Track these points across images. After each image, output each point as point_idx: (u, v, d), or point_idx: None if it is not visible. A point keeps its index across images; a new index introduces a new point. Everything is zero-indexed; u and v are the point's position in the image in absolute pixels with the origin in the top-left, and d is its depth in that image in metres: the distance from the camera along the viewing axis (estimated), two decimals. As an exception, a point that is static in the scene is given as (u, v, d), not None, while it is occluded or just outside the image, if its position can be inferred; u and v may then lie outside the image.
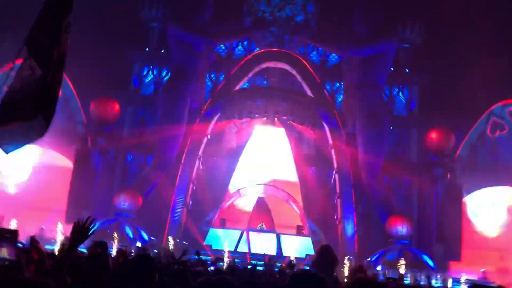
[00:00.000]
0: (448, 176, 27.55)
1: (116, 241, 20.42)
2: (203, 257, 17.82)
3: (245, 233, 25.57)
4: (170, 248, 21.47)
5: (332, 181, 28.10)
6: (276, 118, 29.10)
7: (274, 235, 25.79)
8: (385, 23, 29.57)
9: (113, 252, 16.71)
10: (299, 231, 26.36)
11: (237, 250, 23.85)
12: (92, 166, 27.99)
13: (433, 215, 27.28)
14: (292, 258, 20.74)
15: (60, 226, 21.03)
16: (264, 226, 26.87)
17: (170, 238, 23.23)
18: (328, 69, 32.16)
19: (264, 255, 21.23)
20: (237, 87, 29.31)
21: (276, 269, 14.69)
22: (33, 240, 10.77)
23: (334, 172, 27.47)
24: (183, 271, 6.38)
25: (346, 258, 22.04)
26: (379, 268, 23.67)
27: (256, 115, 29.20)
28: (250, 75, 29.84)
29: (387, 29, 29.49)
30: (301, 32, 30.26)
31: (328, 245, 8.66)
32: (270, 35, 30.54)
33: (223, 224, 26.32)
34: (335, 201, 27.05)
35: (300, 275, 3.22)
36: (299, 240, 25.13)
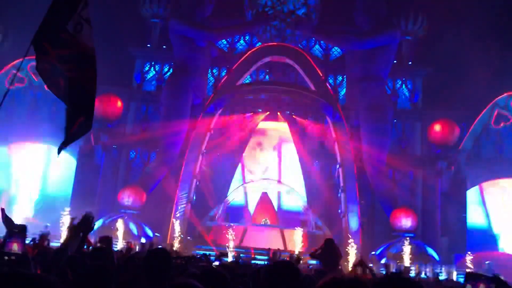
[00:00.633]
0: (452, 168, 27.45)
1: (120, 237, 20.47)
2: (207, 252, 17.85)
3: (249, 228, 25.58)
4: (174, 244, 21.52)
5: (336, 175, 28.02)
6: (279, 113, 29.03)
7: (278, 229, 25.78)
8: (387, 16, 29.41)
9: (118, 247, 16.75)
10: (303, 226, 26.32)
11: (241, 245, 23.86)
12: (95, 163, 28.05)
13: (437, 208, 27.21)
14: (296, 252, 20.73)
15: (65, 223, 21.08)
16: (268, 221, 26.87)
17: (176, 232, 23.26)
18: (331, 63, 32.01)
19: (269, 249, 21.22)
20: (240, 82, 29.20)
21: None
22: (43, 236, 10.83)
23: (337, 166, 27.39)
24: (185, 265, 6.35)
25: (350, 248, 22.04)
26: (383, 261, 23.64)
27: (259, 110, 29.13)
28: (252, 69, 29.73)
29: (389, 22, 29.31)
30: (303, 25, 30.12)
31: (331, 239, 8.61)
32: (272, 29, 30.43)
33: (227, 219, 26.32)
34: (339, 195, 26.98)
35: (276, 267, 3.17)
36: (303, 234, 25.10)
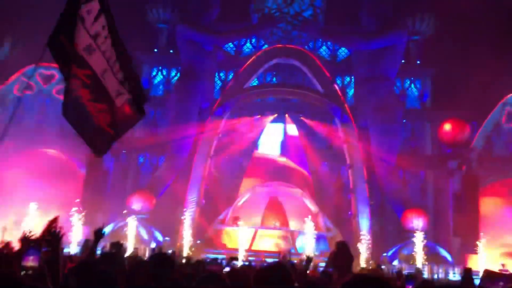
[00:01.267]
0: (464, 168, 27.15)
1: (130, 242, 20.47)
2: (218, 256, 17.79)
3: (259, 231, 25.47)
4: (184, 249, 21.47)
5: (345, 176, 27.85)
6: (287, 115, 28.94)
7: (288, 232, 25.65)
8: (394, 16, 29.26)
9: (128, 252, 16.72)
10: (314, 228, 26.15)
11: (252, 248, 23.76)
12: (105, 169, 28.14)
13: (449, 208, 26.91)
14: (307, 254, 20.57)
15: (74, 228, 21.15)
16: (278, 224, 26.74)
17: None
18: (338, 64, 31.90)
19: (279, 253, 21.09)
20: (247, 85, 29.17)
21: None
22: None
23: (347, 167, 27.23)
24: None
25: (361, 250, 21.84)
26: (395, 263, 23.41)
27: (267, 112, 29.08)
28: (259, 72, 29.69)
29: (396, 22, 29.15)
30: (310, 27, 30.06)
31: (344, 242, 8.49)
32: (278, 31, 30.40)
33: (236, 223, 26.22)
34: (349, 196, 26.81)
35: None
36: (313, 236, 24.93)
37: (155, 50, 32.51)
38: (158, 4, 31.54)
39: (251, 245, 24.18)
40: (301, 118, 28.94)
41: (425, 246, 23.41)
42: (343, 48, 32.06)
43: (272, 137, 30.76)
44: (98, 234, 5.40)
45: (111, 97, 4.68)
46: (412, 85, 31.53)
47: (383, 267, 22.42)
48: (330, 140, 29.06)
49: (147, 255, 17.96)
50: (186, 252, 21.87)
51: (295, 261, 17.02)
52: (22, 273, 5.07)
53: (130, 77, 4.87)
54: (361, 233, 24.58)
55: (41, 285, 3.26)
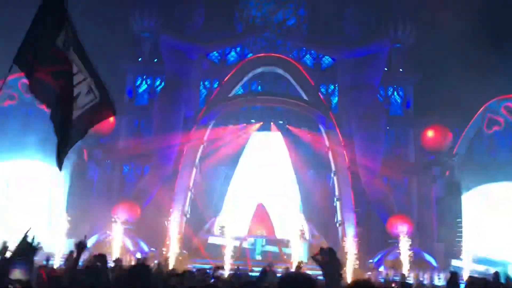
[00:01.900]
0: (447, 173, 27.53)
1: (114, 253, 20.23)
2: (205, 266, 17.68)
3: (245, 240, 25.40)
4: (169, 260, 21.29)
5: (330, 184, 28.00)
6: (272, 123, 29.06)
7: (275, 240, 25.62)
8: (376, 24, 29.69)
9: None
10: (300, 236, 26.17)
11: (238, 258, 23.66)
12: (89, 179, 27.85)
13: (433, 214, 27.22)
14: (295, 262, 20.54)
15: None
16: (264, 232, 26.70)
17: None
18: (322, 72, 32.17)
19: (266, 261, 21.03)
20: (232, 93, 29.26)
21: (279, 274, 14.53)
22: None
23: (332, 175, 27.38)
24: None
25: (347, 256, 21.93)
26: (381, 269, 23.54)
27: (252, 121, 29.17)
28: (244, 80, 29.81)
29: (379, 30, 29.61)
30: (294, 35, 30.34)
31: (332, 249, 8.52)
32: (263, 40, 30.61)
33: (222, 232, 26.12)
34: (335, 203, 26.94)
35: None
36: (300, 244, 24.95)
37: (139, 59, 32.39)
38: (142, 13, 31.46)
39: (237, 254, 24.07)
40: (287, 126, 29.08)
41: (410, 252, 23.60)
42: (327, 57, 32.37)
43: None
44: (81, 246, 5.37)
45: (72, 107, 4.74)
46: (395, 93, 31.92)
47: (369, 273, 22.56)
48: (316, 148, 29.23)
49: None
50: (172, 263, 21.68)
51: (281, 269, 17.04)
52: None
53: (99, 83, 4.97)
54: (347, 240, 24.67)
55: None
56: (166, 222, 25.15)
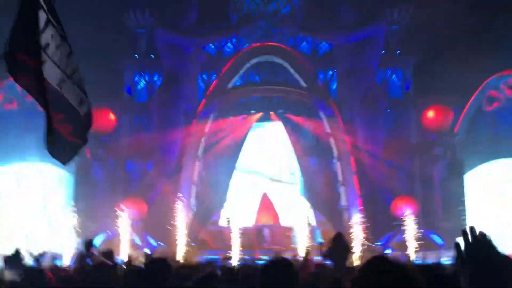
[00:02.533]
0: (449, 153, 27.56)
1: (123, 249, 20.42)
2: (213, 257, 17.88)
3: (252, 230, 25.60)
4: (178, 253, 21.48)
5: (334, 170, 28.09)
6: (272, 112, 29.09)
7: (281, 229, 25.81)
8: (372, 6, 29.52)
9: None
10: (306, 223, 26.34)
11: (246, 247, 23.84)
12: (93, 178, 28.02)
13: (437, 194, 27.30)
14: (304, 249, 20.70)
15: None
16: (270, 222, 26.91)
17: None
18: (320, 58, 32.09)
19: (273, 250, 21.24)
20: (230, 85, 29.26)
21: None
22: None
23: (334, 160, 27.46)
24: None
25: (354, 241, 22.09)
26: (388, 251, 23.70)
27: (252, 111, 29.19)
28: (242, 71, 29.79)
29: (374, 13, 29.43)
30: (289, 23, 30.22)
31: (340, 234, 8.60)
32: (259, 30, 30.49)
33: (229, 223, 26.32)
34: (339, 189, 27.05)
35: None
36: (306, 231, 25.12)
37: (136, 55, 32.36)
38: (136, 9, 31.37)
39: (244, 244, 24.26)
40: (287, 115, 29.10)
41: (416, 232, 23.72)
42: (323, 43, 32.27)
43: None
44: (88, 245, 5.46)
45: (73, 105, 4.71)
46: (394, 75, 31.86)
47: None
48: (317, 135, 29.29)
49: (143, 261, 17.94)
50: (180, 256, 21.88)
51: (289, 257, 17.17)
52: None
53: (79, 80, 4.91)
54: (352, 224, 24.82)
55: None
56: (172, 216, 25.34)
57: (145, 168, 30.31)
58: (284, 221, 27.33)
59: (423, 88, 30.49)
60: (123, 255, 20.89)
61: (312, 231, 25.17)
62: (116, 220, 24.52)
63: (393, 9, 30.86)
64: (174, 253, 21.50)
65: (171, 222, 25.25)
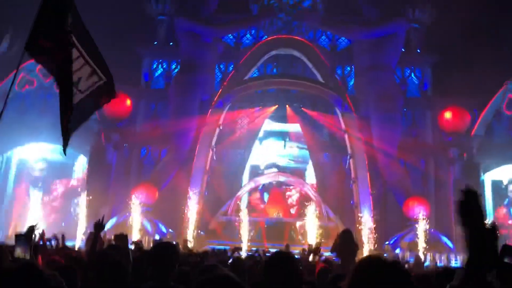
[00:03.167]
0: (465, 155, 27.22)
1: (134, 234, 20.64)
2: (223, 247, 17.98)
3: (261, 222, 25.65)
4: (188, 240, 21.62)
5: (346, 166, 27.96)
6: (287, 105, 29.00)
7: (291, 222, 25.82)
8: (393, 4, 29.16)
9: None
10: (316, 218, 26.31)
11: (255, 239, 23.96)
12: (107, 162, 28.28)
13: (450, 196, 27.01)
14: (313, 244, 20.71)
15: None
16: (280, 214, 26.93)
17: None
18: (338, 53, 31.83)
19: (282, 243, 21.27)
20: (247, 76, 29.22)
21: (297, 256, 14.68)
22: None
23: (348, 157, 27.33)
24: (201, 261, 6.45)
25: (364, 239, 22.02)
26: (398, 251, 23.58)
27: (267, 103, 29.13)
28: (259, 63, 29.71)
29: (396, 10, 29.08)
30: (309, 17, 30.00)
31: (348, 230, 8.55)
32: (278, 22, 30.33)
33: (239, 213, 26.41)
34: (351, 186, 26.94)
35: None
36: (316, 226, 25.11)
37: (155, 42, 32.46)
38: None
39: (253, 235, 24.37)
40: (302, 108, 28.99)
41: (427, 234, 23.56)
42: (343, 38, 31.99)
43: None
44: (99, 226, 5.52)
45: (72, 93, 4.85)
46: (412, 74, 31.49)
47: (385, 255, 22.62)
48: (331, 130, 29.15)
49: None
50: (189, 244, 22.04)
51: (298, 251, 17.21)
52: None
53: (100, 63, 5.06)
54: (363, 222, 24.74)
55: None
56: (183, 204, 25.52)
57: (158, 155, 30.50)
58: (293, 215, 27.34)
59: (441, 88, 30.10)
60: (134, 239, 21.09)
61: (322, 226, 25.12)
62: (128, 205, 24.81)
63: (414, 8, 30.46)
64: (184, 241, 21.66)
65: (182, 209, 25.46)
